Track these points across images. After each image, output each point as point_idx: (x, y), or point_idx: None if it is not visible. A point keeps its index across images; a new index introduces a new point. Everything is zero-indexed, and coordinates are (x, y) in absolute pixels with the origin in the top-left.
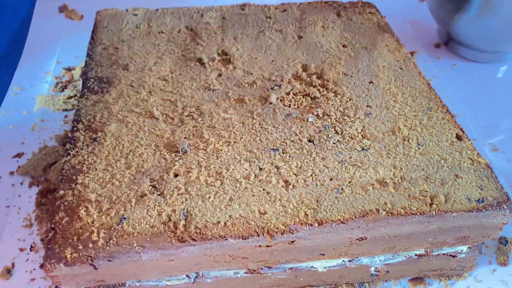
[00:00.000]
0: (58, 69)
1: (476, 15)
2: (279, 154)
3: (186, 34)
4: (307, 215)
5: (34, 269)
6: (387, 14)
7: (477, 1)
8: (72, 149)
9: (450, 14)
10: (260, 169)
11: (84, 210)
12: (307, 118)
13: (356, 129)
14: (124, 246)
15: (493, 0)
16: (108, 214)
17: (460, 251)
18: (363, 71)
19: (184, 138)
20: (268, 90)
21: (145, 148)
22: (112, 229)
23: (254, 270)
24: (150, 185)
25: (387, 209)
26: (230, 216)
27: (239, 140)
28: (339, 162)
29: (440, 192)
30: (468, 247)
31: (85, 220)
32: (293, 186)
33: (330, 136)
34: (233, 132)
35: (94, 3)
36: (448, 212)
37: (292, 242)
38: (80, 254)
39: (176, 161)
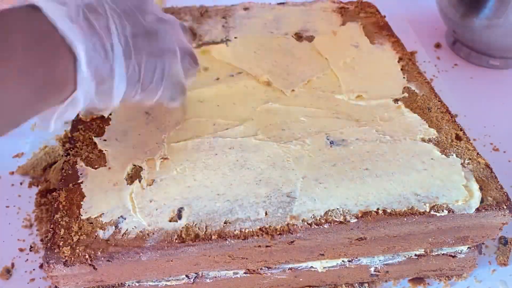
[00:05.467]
0: None
1: (489, 19)
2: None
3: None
4: (307, 215)
5: (33, 269)
6: (387, 14)
7: (491, 5)
8: (72, 149)
9: (461, 17)
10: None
11: (84, 211)
12: None
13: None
14: (123, 246)
15: (508, 4)
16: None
17: (460, 251)
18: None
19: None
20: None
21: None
22: (112, 229)
23: (253, 270)
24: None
25: (387, 209)
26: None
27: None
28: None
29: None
30: (468, 247)
31: (84, 220)
32: None
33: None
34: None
35: None
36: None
37: (292, 242)
38: (80, 255)
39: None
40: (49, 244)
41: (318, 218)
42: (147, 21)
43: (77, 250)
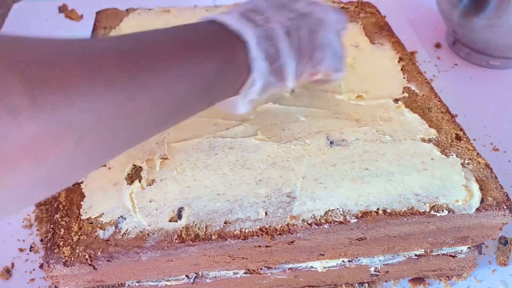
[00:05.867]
0: None
1: (489, 19)
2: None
3: None
4: (307, 215)
5: (33, 270)
6: (387, 14)
7: (491, 5)
8: None
9: (461, 17)
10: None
11: (84, 211)
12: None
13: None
14: (123, 246)
15: (508, 4)
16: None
17: (460, 251)
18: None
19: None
20: None
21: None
22: (112, 229)
23: (253, 271)
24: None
25: (387, 209)
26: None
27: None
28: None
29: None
30: (468, 247)
31: (84, 220)
32: None
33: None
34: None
35: (94, 3)
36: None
37: (292, 242)
38: (80, 255)
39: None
40: (49, 244)
41: (318, 218)
42: (300, 6)
43: (77, 250)
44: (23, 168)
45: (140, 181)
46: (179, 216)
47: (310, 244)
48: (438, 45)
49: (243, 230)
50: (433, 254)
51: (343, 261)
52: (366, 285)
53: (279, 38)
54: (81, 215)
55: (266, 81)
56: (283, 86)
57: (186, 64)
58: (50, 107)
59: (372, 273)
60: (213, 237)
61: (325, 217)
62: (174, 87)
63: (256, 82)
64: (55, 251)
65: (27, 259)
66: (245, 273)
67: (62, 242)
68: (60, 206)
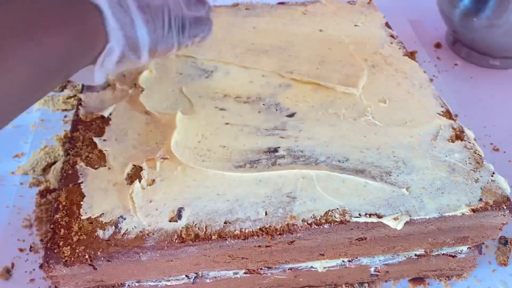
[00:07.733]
0: None
1: (489, 19)
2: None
3: None
4: (307, 215)
5: (33, 270)
6: (387, 14)
7: (491, 5)
8: (71, 149)
9: (461, 17)
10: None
11: (84, 211)
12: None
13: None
14: (123, 246)
15: (508, 4)
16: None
17: (460, 251)
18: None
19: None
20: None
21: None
22: (112, 229)
23: (253, 271)
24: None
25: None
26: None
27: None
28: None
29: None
30: (468, 247)
31: (84, 220)
32: None
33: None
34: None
35: None
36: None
37: (292, 242)
38: (80, 255)
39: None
40: (49, 244)
41: (318, 218)
42: None
43: (77, 250)
44: None
45: (140, 181)
46: (179, 216)
47: (310, 244)
48: (438, 45)
49: (243, 230)
50: (433, 254)
51: (343, 261)
52: (366, 285)
53: (133, 11)
54: (81, 215)
55: (122, 51)
56: (137, 59)
57: (33, 46)
58: None
59: (372, 273)
60: (213, 237)
61: (325, 217)
62: (23, 71)
63: (114, 51)
64: (55, 251)
65: (27, 259)
66: (245, 273)
67: (62, 242)
68: (60, 206)
